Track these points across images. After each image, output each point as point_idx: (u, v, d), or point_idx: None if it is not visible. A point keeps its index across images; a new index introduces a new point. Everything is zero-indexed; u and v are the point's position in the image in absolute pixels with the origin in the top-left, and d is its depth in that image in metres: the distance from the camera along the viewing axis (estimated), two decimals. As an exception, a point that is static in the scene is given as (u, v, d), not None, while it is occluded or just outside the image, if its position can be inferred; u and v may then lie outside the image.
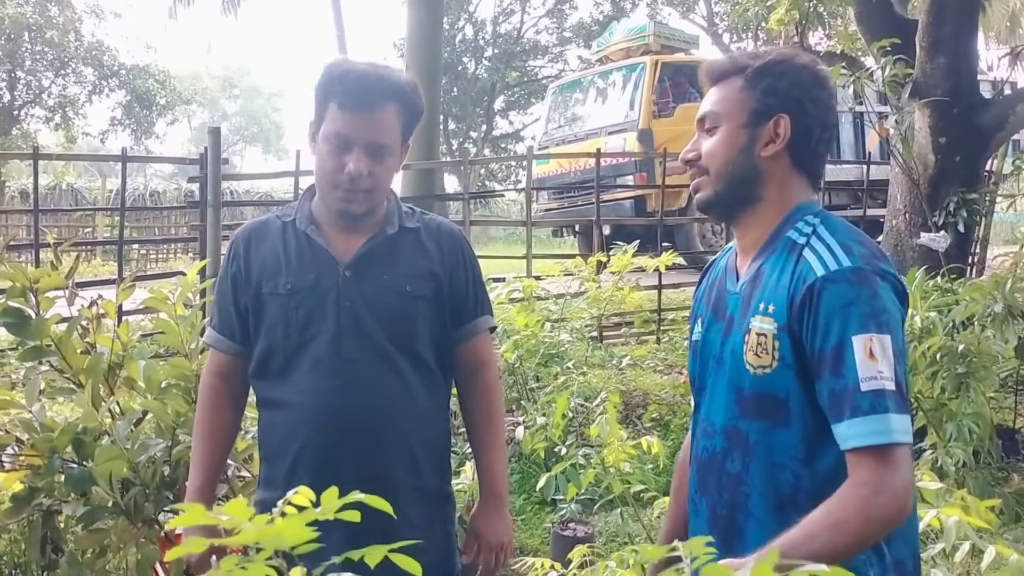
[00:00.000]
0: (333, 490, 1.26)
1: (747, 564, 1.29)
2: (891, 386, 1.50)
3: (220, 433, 2.24)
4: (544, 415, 4.64)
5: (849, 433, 1.51)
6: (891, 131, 7.50)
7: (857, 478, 1.50)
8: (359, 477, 2.02)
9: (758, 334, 1.63)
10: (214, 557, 2.16)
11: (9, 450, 3.39)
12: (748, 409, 1.66)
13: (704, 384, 1.79)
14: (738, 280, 1.75)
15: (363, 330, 2.06)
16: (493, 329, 2.33)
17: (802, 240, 1.66)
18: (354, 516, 1.23)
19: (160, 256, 18.99)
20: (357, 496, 1.27)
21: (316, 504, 1.26)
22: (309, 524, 1.25)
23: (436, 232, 2.19)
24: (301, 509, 1.26)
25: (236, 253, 2.17)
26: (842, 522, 1.47)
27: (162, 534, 3.62)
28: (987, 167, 8.50)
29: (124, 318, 3.84)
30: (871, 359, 1.50)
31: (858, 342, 1.51)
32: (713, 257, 1.98)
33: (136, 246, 16.96)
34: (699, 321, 1.84)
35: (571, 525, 4.49)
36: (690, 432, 1.89)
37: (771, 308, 1.62)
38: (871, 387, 1.50)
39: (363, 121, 2.02)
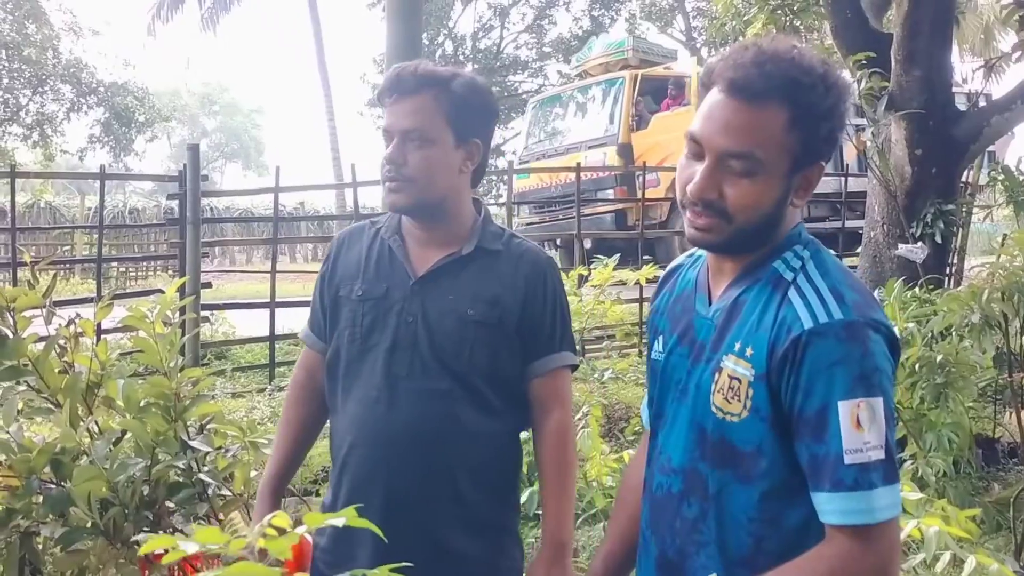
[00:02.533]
0: (315, 516, 1.26)
1: None
2: (878, 455, 1.37)
3: (298, 425, 2.26)
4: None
5: (828, 508, 1.39)
6: (868, 143, 7.56)
7: (831, 550, 1.39)
8: (393, 495, 2.01)
9: (731, 376, 1.48)
10: None
11: (-14, 473, 3.34)
12: (709, 454, 1.52)
13: (664, 411, 1.64)
14: (710, 303, 1.59)
15: (416, 347, 2.03)
16: (575, 368, 2.19)
17: (789, 276, 1.49)
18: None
19: (139, 274, 18.89)
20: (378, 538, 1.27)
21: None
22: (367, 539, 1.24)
23: (518, 258, 2.10)
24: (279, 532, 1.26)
25: (330, 254, 2.20)
26: None
27: (141, 555, 3.59)
28: (963, 178, 8.58)
29: (103, 337, 3.81)
30: (858, 428, 1.36)
31: (844, 408, 1.37)
32: (675, 263, 1.80)
33: (115, 264, 16.87)
34: (660, 339, 1.68)
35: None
36: (644, 456, 1.73)
37: (749, 352, 1.47)
38: (856, 460, 1.36)
39: (397, 109, 2.02)
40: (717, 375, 1.50)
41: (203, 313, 5.89)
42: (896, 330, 1.56)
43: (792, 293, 1.46)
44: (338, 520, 1.16)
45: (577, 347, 6.51)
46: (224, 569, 1.17)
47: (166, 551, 3.44)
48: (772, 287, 1.50)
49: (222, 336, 8.77)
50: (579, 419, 3.29)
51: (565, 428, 2.12)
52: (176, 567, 3.68)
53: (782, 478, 1.46)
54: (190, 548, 1.18)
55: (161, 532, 3.68)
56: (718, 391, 1.49)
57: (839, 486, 1.37)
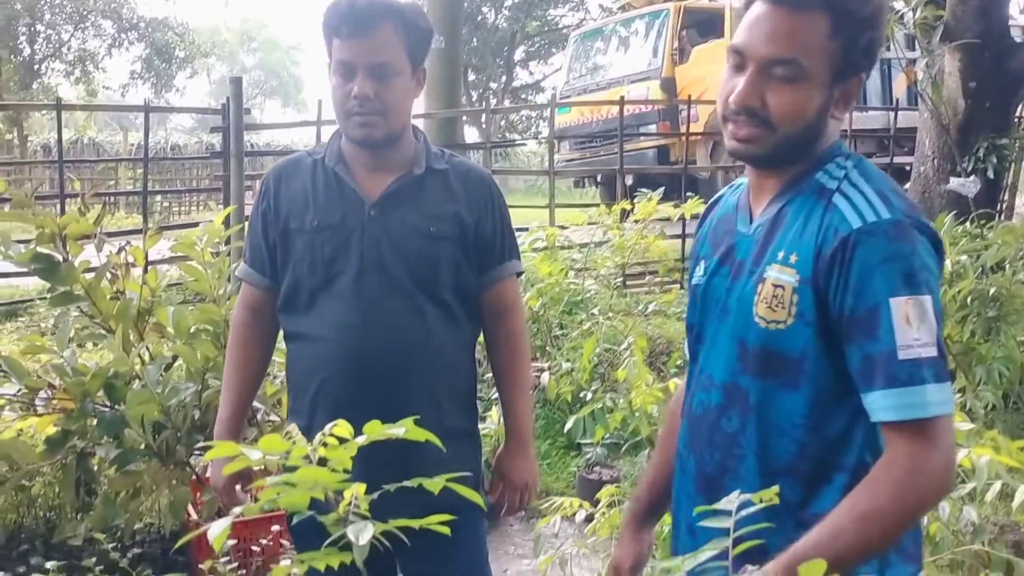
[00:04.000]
0: (375, 424, 1.27)
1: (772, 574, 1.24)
2: (930, 353, 1.37)
3: (250, 366, 2.26)
4: (569, 361, 4.65)
5: (882, 404, 1.38)
6: (921, 75, 7.37)
7: (891, 457, 1.38)
8: (377, 414, 2.03)
9: (775, 285, 1.47)
10: (238, 487, 2.20)
11: (42, 394, 3.43)
12: (751, 365, 1.52)
13: (704, 333, 1.63)
14: (751, 221, 1.59)
15: (385, 269, 2.07)
16: (520, 274, 2.32)
17: (832, 184, 1.49)
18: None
19: (183, 209, 19.07)
20: (396, 431, 1.28)
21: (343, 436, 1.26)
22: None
23: (465, 175, 2.18)
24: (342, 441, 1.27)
25: (267, 189, 2.19)
26: (873, 511, 1.35)
27: (193, 476, 3.68)
28: (1017, 113, 8.35)
29: (150, 267, 3.87)
30: (908, 324, 1.36)
31: (895, 305, 1.37)
32: (717, 195, 1.80)
33: (159, 198, 17.04)
34: (701, 264, 1.67)
35: (596, 469, 4.52)
36: (685, 382, 1.75)
37: (794, 258, 1.47)
38: (908, 356, 1.36)
39: (360, 44, 2.03)
40: (760, 286, 1.50)
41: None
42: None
43: (837, 199, 1.47)
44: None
45: (619, 281, 6.55)
46: (289, 475, 1.18)
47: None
48: (816, 196, 1.50)
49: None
50: (623, 349, 3.29)
51: (519, 331, 2.25)
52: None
53: (826, 384, 1.46)
54: (254, 455, 1.19)
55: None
56: (761, 301, 1.49)
57: (893, 382, 1.37)
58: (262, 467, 2.26)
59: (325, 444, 1.26)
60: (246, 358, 2.26)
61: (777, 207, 1.54)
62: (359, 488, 1.32)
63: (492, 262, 2.19)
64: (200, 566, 2.67)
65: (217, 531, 1.19)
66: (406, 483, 1.30)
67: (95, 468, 3.48)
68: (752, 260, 1.54)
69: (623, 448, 4.09)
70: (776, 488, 1.18)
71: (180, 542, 2.47)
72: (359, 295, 2.06)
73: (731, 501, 1.12)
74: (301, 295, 2.11)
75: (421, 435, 1.31)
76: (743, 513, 1.13)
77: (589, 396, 4.30)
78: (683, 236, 7.80)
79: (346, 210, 2.09)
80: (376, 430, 1.26)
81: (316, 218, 2.10)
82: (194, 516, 3.64)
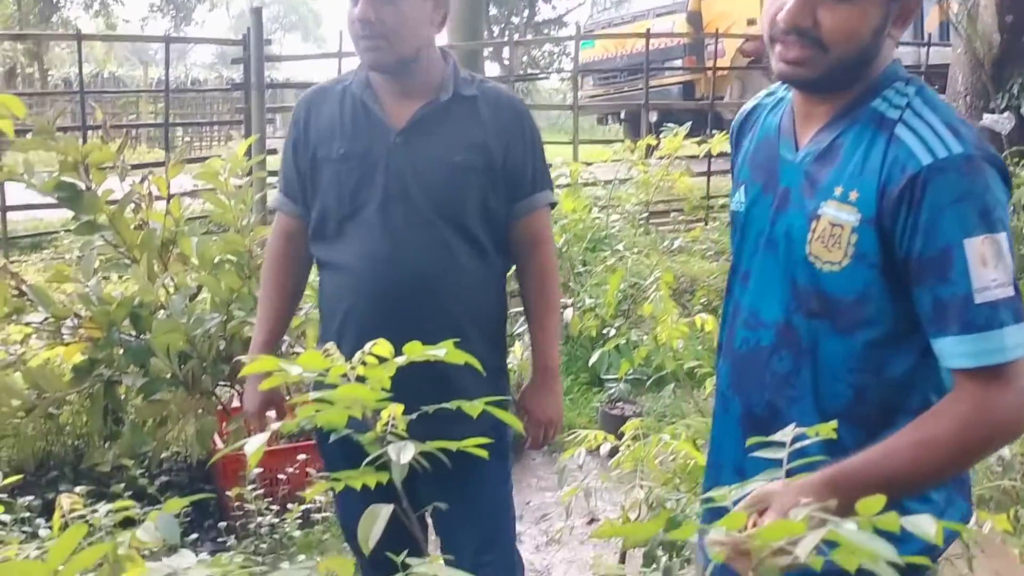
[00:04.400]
0: (416, 344, 1.25)
1: (810, 484, 1.19)
2: (1007, 293, 1.29)
3: (285, 294, 2.25)
4: (592, 297, 4.63)
5: (957, 351, 1.31)
6: (955, 9, 7.18)
7: (961, 393, 1.32)
8: (401, 345, 2.02)
9: (832, 224, 1.39)
10: (271, 413, 2.20)
11: (68, 323, 3.44)
12: (803, 305, 1.44)
13: (743, 265, 1.56)
14: (797, 148, 1.49)
15: (409, 199, 2.03)
16: (553, 205, 2.26)
17: (894, 114, 1.39)
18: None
19: (203, 144, 19.02)
20: (436, 352, 1.26)
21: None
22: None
23: (495, 101, 2.11)
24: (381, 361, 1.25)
25: (297, 118, 2.15)
26: (933, 439, 1.30)
27: (219, 407, 3.70)
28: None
29: (173, 198, 3.84)
30: (984, 265, 1.28)
31: (970, 246, 1.28)
32: (752, 103, 1.68)
33: (180, 133, 16.98)
34: (741, 189, 1.59)
35: (619, 404, 4.52)
36: (721, 316, 1.66)
37: (854, 195, 1.37)
38: (986, 299, 1.28)
39: None
40: (815, 223, 1.41)
41: (268, 180, 5.90)
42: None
43: (901, 131, 1.36)
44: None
45: (644, 216, 6.49)
46: (327, 391, 1.16)
47: (241, 407, 3.50)
48: (875, 127, 1.40)
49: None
50: (649, 284, 3.25)
51: (549, 263, 2.20)
52: (252, 420, 3.79)
53: (888, 326, 1.39)
54: (294, 371, 1.17)
55: (237, 386, 3.78)
56: (816, 239, 1.41)
57: (969, 328, 1.29)
58: (291, 397, 2.25)
59: (364, 363, 1.24)
60: (281, 286, 2.24)
61: (830, 137, 1.44)
62: (396, 408, 1.30)
63: (522, 193, 2.13)
64: (227, 493, 2.68)
65: (254, 447, 1.17)
66: (445, 404, 1.28)
67: (122, 397, 3.50)
68: (802, 192, 1.45)
69: (647, 383, 4.07)
70: (833, 423, 1.13)
71: (214, 458, 2.47)
72: (384, 225, 2.03)
73: (786, 434, 1.08)
74: (329, 224, 2.09)
75: (460, 357, 1.29)
76: (797, 446, 1.09)
77: (612, 332, 4.28)
78: (708, 174, 7.71)
79: (372, 139, 2.05)
80: (416, 350, 1.24)
81: (343, 147, 2.06)
82: (220, 445, 3.67)
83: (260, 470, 2.74)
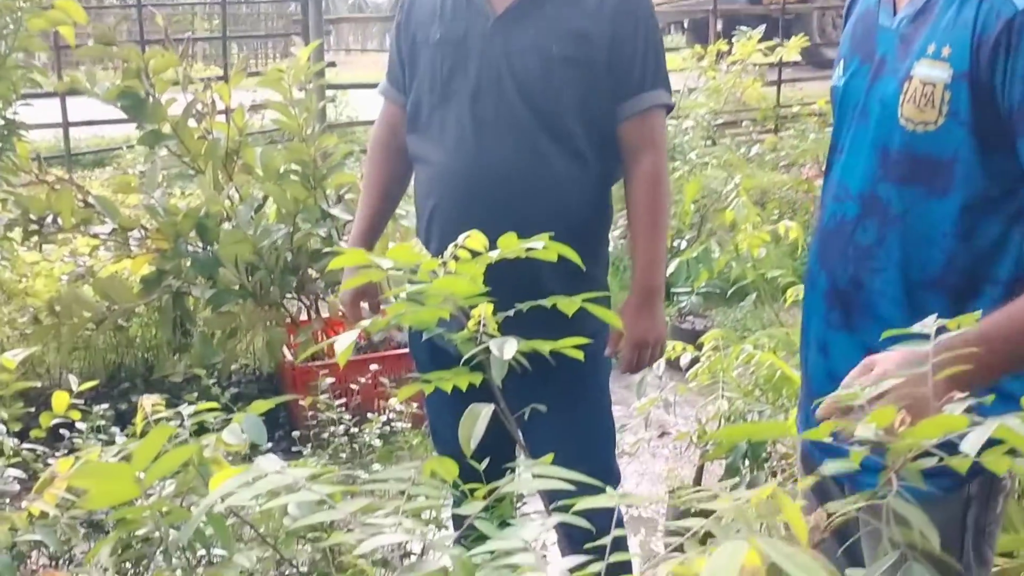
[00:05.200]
0: (511, 237, 1.16)
1: (915, 358, 1.11)
2: None
3: (386, 184, 2.15)
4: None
5: None
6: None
7: None
8: (490, 244, 1.92)
9: (923, 83, 1.35)
10: (365, 305, 2.14)
11: (135, 234, 3.41)
12: (894, 172, 1.41)
13: (841, 141, 1.53)
14: (895, 13, 1.44)
15: (502, 91, 1.89)
16: (670, 109, 2.05)
17: None
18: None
19: (260, 60, 18.94)
20: (534, 244, 1.16)
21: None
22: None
23: None
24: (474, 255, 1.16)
25: (402, 1, 2.05)
26: None
27: (288, 319, 3.67)
28: None
29: (236, 109, 3.78)
30: None
31: None
32: None
33: (235, 50, 16.88)
34: (841, 64, 1.55)
35: (690, 318, 4.42)
36: (820, 199, 1.64)
37: (946, 51, 1.33)
38: None
39: None
40: (906, 84, 1.36)
41: (327, 93, 5.82)
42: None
43: None
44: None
45: (716, 126, 6.28)
46: (423, 287, 1.08)
47: (309, 319, 3.45)
48: None
49: (346, 119, 8.76)
50: (729, 191, 3.12)
51: (658, 171, 2.00)
52: (320, 332, 3.77)
53: (980, 188, 1.34)
54: (385, 264, 1.09)
55: (305, 297, 3.75)
56: (908, 101, 1.36)
57: None
58: (384, 286, 2.15)
59: (457, 258, 1.15)
60: (383, 176, 2.15)
61: None
62: (488, 307, 1.22)
63: (629, 91, 1.93)
64: (300, 403, 2.65)
65: (344, 343, 1.10)
66: (541, 301, 1.19)
67: (191, 308, 3.49)
68: (896, 57, 1.40)
69: (722, 296, 3.94)
70: (976, 314, 1.05)
71: (303, 356, 2.42)
72: (473, 118, 1.90)
73: (927, 325, 0.98)
74: (422, 114, 1.98)
75: (554, 252, 1.20)
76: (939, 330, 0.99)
77: (684, 245, 4.15)
78: (779, 82, 7.44)
79: (470, 24, 1.91)
80: (512, 243, 1.15)
81: (440, 31, 1.93)
82: (289, 357, 3.66)
83: (332, 380, 2.69)
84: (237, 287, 3.35)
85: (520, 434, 1.17)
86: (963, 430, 0.82)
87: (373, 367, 3.01)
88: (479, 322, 1.21)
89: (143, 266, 3.42)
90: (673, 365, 2.96)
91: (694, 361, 2.78)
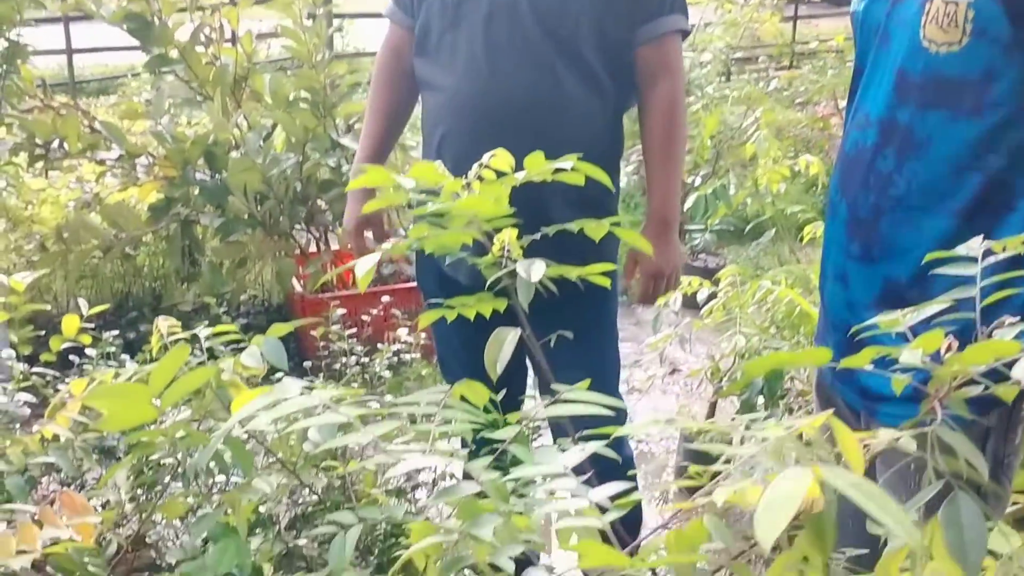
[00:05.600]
0: (538, 156, 1.11)
1: None
2: None
3: (391, 108, 2.08)
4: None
5: None
6: None
7: None
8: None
9: (946, 2, 1.31)
10: (369, 235, 2.09)
11: (143, 161, 3.36)
12: (917, 96, 1.37)
13: (862, 66, 1.49)
14: None
15: (516, 14, 1.82)
16: (686, 34, 1.99)
17: None
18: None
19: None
20: (563, 164, 1.12)
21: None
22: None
23: None
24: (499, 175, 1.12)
25: None
26: None
27: (297, 249, 3.63)
28: None
29: (244, 34, 3.68)
30: None
31: None
32: None
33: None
34: None
35: (703, 256, 4.37)
36: (844, 127, 1.61)
37: None
38: None
39: None
40: (928, 5, 1.32)
41: (335, 20, 5.70)
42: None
43: None
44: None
45: (733, 59, 6.15)
46: (447, 206, 1.04)
47: (318, 251, 3.38)
48: None
49: (352, 50, 8.63)
50: (751, 124, 3.05)
51: (675, 97, 1.94)
52: (329, 263, 3.73)
53: (1014, 105, 1.30)
54: (407, 184, 1.05)
55: (314, 228, 3.70)
56: (930, 22, 1.32)
57: None
58: (391, 216, 2.09)
59: (481, 179, 1.11)
60: (388, 100, 2.07)
61: None
62: (511, 232, 1.18)
63: (645, 15, 1.88)
64: (312, 333, 2.63)
65: (365, 266, 1.06)
66: (567, 225, 1.15)
67: (199, 237, 3.45)
68: None
69: (745, 231, 3.88)
70: (1022, 236, 1.00)
71: (323, 278, 2.38)
72: (486, 42, 1.84)
73: (972, 248, 0.94)
74: (431, 37, 1.91)
75: (582, 176, 1.15)
76: (983, 258, 0.95)
77: (698, 182, 4.09)
78: (795, 18, 7.29)
79: None
80: (539, 163, 1.10)
81: None
82: (298, 289, 3.63)
83: (343, 311, 2.66)
84: (246, 216, 3.30)
85: (544, 361, 1.13)
86: (1014, 355, 0.78)
87: (384, 299, 2.97)
88: (503, 247, 1.17)
89: (151, 194, 3.37)
90: (685, 303, 2.92)
91: (711, 297, 2.74)
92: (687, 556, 0.78)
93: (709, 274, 3.11)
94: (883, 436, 0.76)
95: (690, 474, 0.96)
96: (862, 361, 0.91)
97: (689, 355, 3.98)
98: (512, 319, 1.07)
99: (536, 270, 0.96)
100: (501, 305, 1.17)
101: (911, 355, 0.83)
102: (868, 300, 1.45)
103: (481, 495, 0.76)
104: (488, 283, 1.10)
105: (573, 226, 1.13)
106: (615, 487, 0.72)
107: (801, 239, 3.09)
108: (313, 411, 0.87)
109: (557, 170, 1.14)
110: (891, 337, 1.02)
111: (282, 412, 0.81)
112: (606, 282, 1.27)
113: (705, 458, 0.92)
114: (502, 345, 0.97)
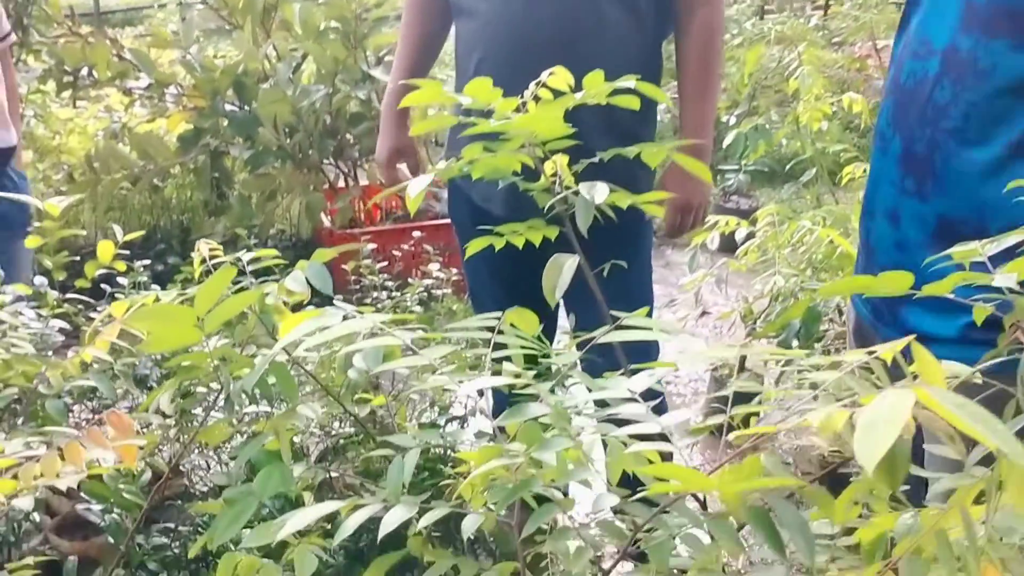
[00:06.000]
0: (598, 75, 1.06)
1: None
2: None
3: (423, 37, 2.03)
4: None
5: None
6: None
7: None
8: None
9: None
10: (403, 167, 2.06)
11: (172, 91, 3.32)
12: (982, 25, 1.30)
13: None
14: None
15: None
16: None
17: None
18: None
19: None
20: (625, 84, 1.07)
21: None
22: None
23: None
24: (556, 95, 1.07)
25: None
26: None
27: (326, 184, 3.60)
28: None
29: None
30: None
31: None
32: None
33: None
34: None
35: (734, 198, 4.30)
36: (891, 58, 1.54)
37: None
38: None
39: None
40: None
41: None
42: None
43: None
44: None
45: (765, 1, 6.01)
46: (504, 124, 0.99)
47: (346, 186, 3.33)
48: None
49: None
50: (792, 58, 2.96)
51: (713, 25, 1.91)
52: (358, 199, 3.70)
53: None
54: (464, 100, 1.01)
55: (342, 163, 3.66)
56: None
57: None
58: (420, 148, 2.04)
59: (537, 98, 1.06)
60: (420, 29, 2.03)
61: None
62: (563, 158, 1.14)
63: None
64: (343, 267, 2.60)
65: (417, 187, 1.03)
66: (628, 149, 1.10)
67: (229, 169, 3.42)
68: None
69: (789, 165, 3.78)
70: None
71: (374, 199, 2.35)
72: None
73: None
74: None
75: (637, 101, 1.10)
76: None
77: (733, 121, 4.00)
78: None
79: None
80: (597, 82, 1.06)
81: None
82: (327, 223, 3.60)
83: (374, 246, 2.63)
84: (275, 148, 3.26)
85: (599, 291, 1.10)
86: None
87: (416, 234, 2.94)
88: (555, 171, 1.14)
89: (179, 124, 3.34)
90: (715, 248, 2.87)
91: (748, 237, 2.69)
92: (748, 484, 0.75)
93: (742, 216, 3.05)
94: (957, 368, 0.73)
95: (731, 415, 0.92)
96: (945, 288, 0.88)
97: (719, 298, 3.94)
98: (544, 257, 1.04)
99: (600, 192, 0.92)
100: (552, 233, 1.14)
101: (1005, 279, 0.79)
102: (921, 238, 1.40)
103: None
104: (545, 210, 1.06)
105: (633, 150, 1.09)
106: (684, 413, 0.69)
107: (838, 180, 3.03)
108: (359, 337, 0.84)
109: (612, 92, 1.10)
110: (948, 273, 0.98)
111: (336, 334, 0.78)
112: (659, 211, 1.23)
113: (737, 400, 0.89)
114: (560, 271, 0.94)
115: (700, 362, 3.23)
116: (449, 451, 1.71)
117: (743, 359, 3.09)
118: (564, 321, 1.84)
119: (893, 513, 0.87)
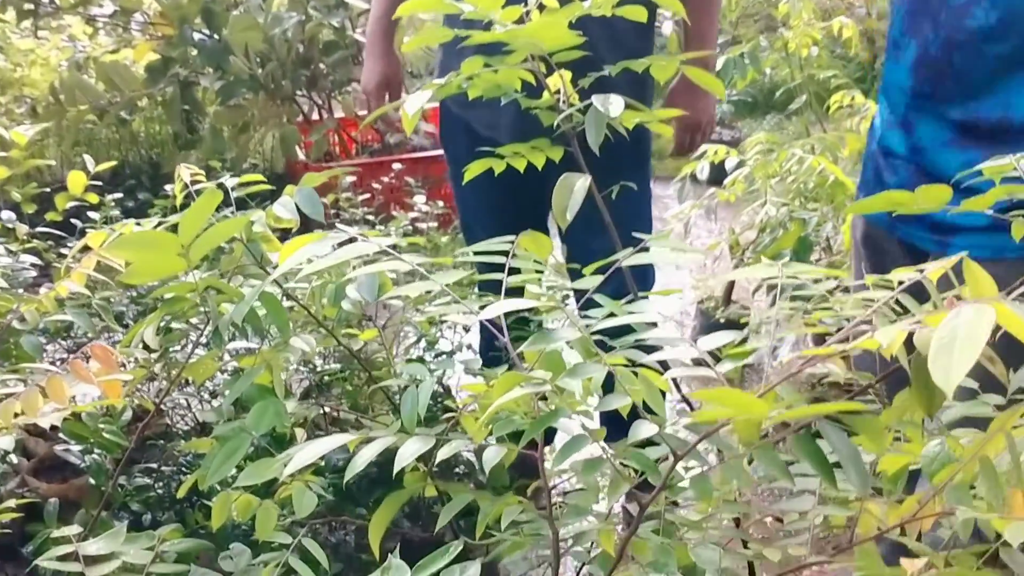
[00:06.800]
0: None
1: None
2: None
3: None
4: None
5: None
6: None
7: None
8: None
9: None
10: (387, 95, 1.99)
11: (138, 18, 3.18)
12: None
13: None
14: None
15: None
16: None
17: None
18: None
19: None
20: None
21: None
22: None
23: None
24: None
25: None
26: None
27: (300, 116, 3.50)
28: None
29: None
30: None
31: None
32: None
33: None
34: None
35: (717, 129, 4.23)
36: None
37: None
38: None
39: None
40: None
41: None
42: None
43: None
44: None
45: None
46: (508, 32, 0.92)
47: (321, 118, 3.22)
48: None
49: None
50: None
51: None
52: (334, 132, 3.60)
53: None
54: (465, 8, 0.93)
55: (316, 94, 3.55)
56: None
57: None
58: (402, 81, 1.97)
59: (542, 7, 0.99)
60: None
61: None
62: (566, 74, 1.07)
63: None
64: (323, 200, 2.52)
65: (416, 104, 0.96)
66: (640, 61, 1.03)
67: (200, 100, 3.30)
68: None
69: (776, 96, 3.72)
70: None
71: (367, 120, 2.26)
72: None
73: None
74: None
75: (644, 13, 1.03)
76: None
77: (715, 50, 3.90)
78: None
79: None
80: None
81: None
82: (302, 157, 3.50)
83: (354, 178, 2.56)
84: (247, 78, 3.15)
85: (607, 214, 1.05)
86: None
87: (396, 166, 2.86)
88: (559, 89, 1.07)
89: (146, 54, 3.21)
90: (696, 181, 2.81)
91: (738, 166, 2.63)
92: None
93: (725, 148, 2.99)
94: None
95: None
96: (985, 203, 0.84)
97: (703, 232, 3.90)
98: (543, 186, 0.98)
99: (615, 106, 0.86)
100: (557, 154, 1.08)
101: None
102: (939, 140, 1.40)
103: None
104: (554, 124, 1.00)
105: (643, 62, 1.02)
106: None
107: (828, 108, 2.96)
108: (366, 260, 0.78)
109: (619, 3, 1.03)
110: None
111: (342, 257, 0.72)
112: (667, 130, 1.17)
113: (722, 328, 0.85)
114: (571, 191, 0.88)
115: (717, 285, 3.20)
116: (440, 385, 1.67)
117: (729, 290, 3.06)
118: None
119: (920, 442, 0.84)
